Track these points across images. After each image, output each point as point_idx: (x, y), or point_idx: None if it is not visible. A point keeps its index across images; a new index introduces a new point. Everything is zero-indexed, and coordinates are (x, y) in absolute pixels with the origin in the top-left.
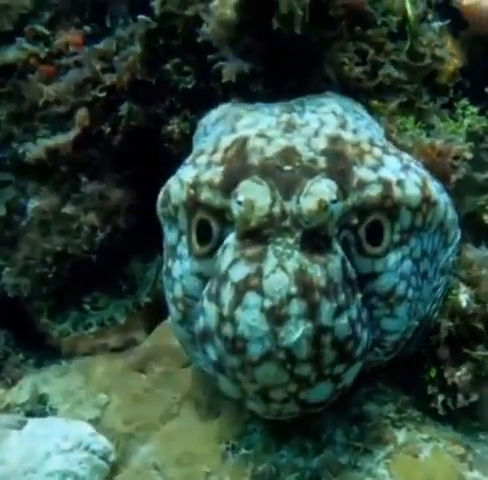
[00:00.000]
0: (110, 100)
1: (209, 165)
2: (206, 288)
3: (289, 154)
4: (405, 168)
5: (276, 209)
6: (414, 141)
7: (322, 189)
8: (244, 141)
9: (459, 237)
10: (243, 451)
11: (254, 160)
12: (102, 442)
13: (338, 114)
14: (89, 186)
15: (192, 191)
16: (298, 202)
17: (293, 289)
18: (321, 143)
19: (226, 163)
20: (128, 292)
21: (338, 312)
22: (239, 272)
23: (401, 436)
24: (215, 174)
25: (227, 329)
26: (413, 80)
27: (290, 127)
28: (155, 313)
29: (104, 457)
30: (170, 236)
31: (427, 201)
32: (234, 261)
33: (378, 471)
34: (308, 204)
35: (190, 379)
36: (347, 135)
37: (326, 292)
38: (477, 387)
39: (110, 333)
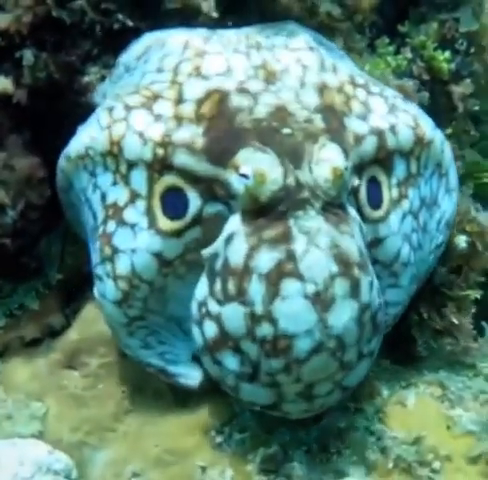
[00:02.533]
0: (3, 47)
1: (179, 120)
2: (203, 288)
3: (282, 114)
4: (393, 109)
5: (290, 180)
6: (383, 80)
7: (333, 155)
8: (223, 97)
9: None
10: (238, 436)
11: (244, 123)
12: (62, 459)
13: (314, 48)
14: None
15: (161, 151)
16: (311, 171)
17: (334, 268)
18: (311, 97)
19: (205, 122)
20: (34, 272)
21: (371, 284)
22: (265, 261)
23: (384, 388)
24: (194, 135)
25: (264, 329)
26: (345, 18)
27: (270, 76)
28: (68, 291)
29: (68, 475)
30: (115, 194)
31: (420, 142)
32: (252, 249)
33: (376, 427)
34: (323, 173)
35: (138, 367)
36: (329, 78)
37: (361, 265)
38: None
39: (23, 323)
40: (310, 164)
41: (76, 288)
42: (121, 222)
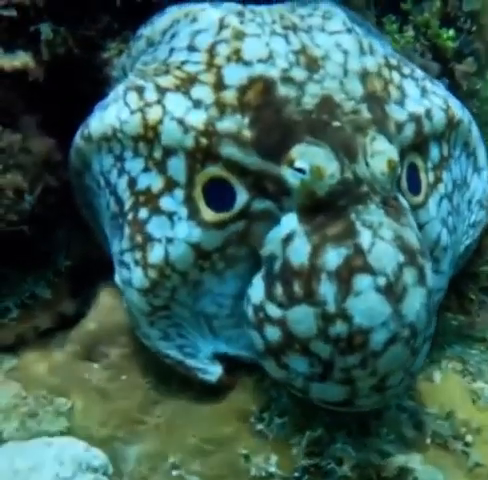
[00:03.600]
0: (19, 21)
1: (222, 108)
2: (259, 292)
3: (330, 106)
4: (424, 92)
5: (348, 174)
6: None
7: (386, 148)
8: (269, 85)
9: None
10: (278, 420)
11: (293, 115)
12: (99, 455)
13: (351, 29)
14: (4, 137)
15: (205, 141)
16: (367, 165)
17: (401, 258)
18: (356, 86)
19: (251, 111)
20: (41, 259)
21: (431, 270)
22: (333, 258)
23: None
24: (241, 126)
25: (339, 328)
26: None
27: (312, 63)
28: (77, 278)
29: (106, 472)
30: (148, 180)
31: (451, 123)
32: (317, 248)
33: (407, 404)
34: (380, 166)
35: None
36: (369, 62)
37: (423, 253)
38: None
39: (37, 313)
40: (366, 158)
41: (85, 275)
42: (156, 210)
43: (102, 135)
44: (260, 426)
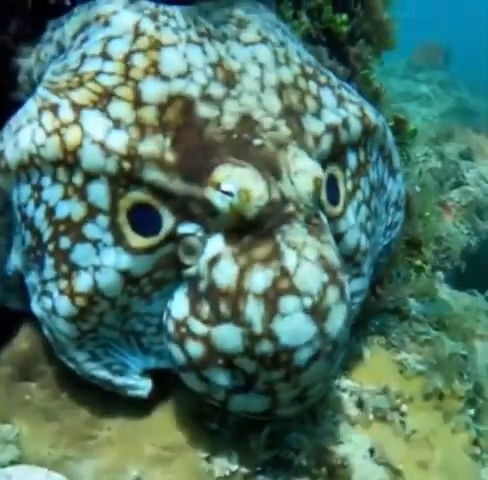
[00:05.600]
0: None
1: (142, 128)
2: (182, 308)
3: (249, 123)
4: (340, 100)
5: (275, 194)
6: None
7: (310, 165)
8: (188, 104)
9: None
10: (232, 417)
11: (214, 135)
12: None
13: (266, 39)
14: None
15: (128, 165)
16: (292, 183)
17: (325, 277)
18: (273, 101)
19: (171, 132)
20: None
21: (348, 283)
22: (259, 280)
23: None
24: (162, 149)
25: (264, 347)
26: None
27: (229, 77)
28: None
29: None
30: (68, 209)
31: (367, 131)
32: (244, 270)
33: (347, 384)
34: (305, 185)
35: None
36: (285, 74)
37: (342, 269)
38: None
39: None
40: (290, 176)
41: None
42: (80, 238)
43: (20, 162)
44: (215, 425)
